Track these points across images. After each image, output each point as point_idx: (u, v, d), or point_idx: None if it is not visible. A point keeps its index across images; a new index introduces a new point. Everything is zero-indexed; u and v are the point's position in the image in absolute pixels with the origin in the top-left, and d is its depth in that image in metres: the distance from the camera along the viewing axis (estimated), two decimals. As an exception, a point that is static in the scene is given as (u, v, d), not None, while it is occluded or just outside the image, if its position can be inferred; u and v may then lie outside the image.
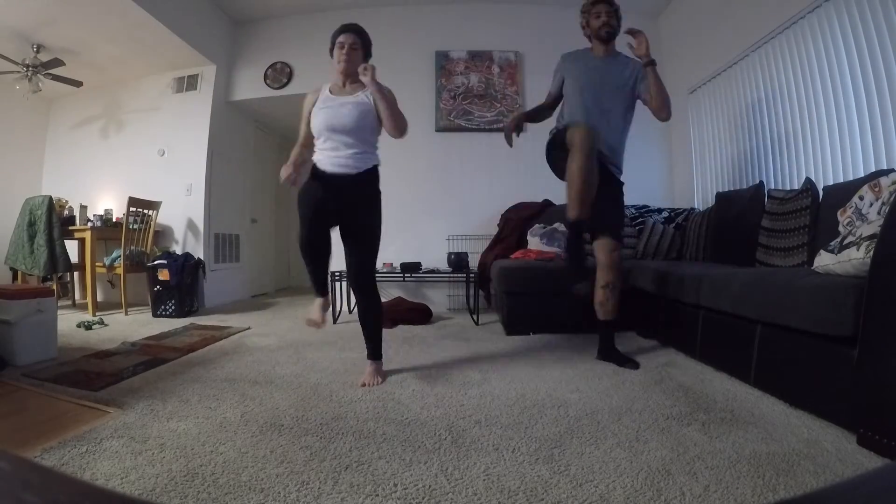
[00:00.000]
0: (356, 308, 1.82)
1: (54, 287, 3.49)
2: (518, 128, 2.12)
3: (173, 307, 3.23)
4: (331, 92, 1.82)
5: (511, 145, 2.13)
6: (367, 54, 1.88)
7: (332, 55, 1.83)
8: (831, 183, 2.15)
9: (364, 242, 1.77)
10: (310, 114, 1.80)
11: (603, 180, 1.87)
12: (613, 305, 1.96)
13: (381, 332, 1.82)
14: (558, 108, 2.16)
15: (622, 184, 2.07)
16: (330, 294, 1.98)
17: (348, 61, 1.77)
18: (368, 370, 1.73)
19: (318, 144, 1.79)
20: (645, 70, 1.98)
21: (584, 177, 1.75)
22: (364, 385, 1.65)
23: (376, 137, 1.85)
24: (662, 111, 1.95)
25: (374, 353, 1.78)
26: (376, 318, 1.81)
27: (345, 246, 1.80)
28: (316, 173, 1.77)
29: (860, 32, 2.11)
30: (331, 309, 3.18)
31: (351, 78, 1.81)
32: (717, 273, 1.85)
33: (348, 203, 1.73)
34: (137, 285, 3.57)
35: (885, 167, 1.88)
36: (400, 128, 1.80)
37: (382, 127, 1.81)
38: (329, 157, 1.75)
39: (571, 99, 2.05)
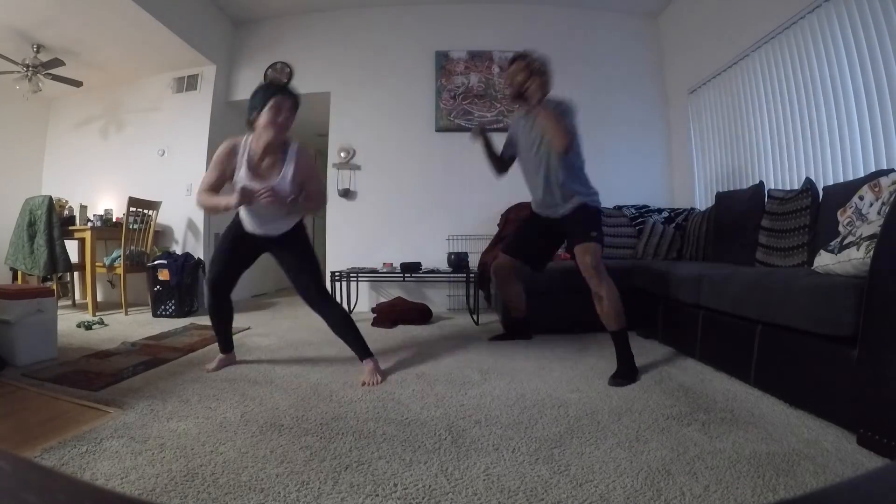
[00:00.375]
0: (331, 320, 1.84)
1: (54, 287, 3.49)
2: (484, 137, 2.08)
3: (173, 307, 3.23)
4: (248, 165, 1.70)
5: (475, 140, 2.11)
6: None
7: (257, 115, 1.66)
8: (831, 183, 2.15)
9: (304, 270, 1.81)
10: (222, 163, 1.71)
11: (567, 220, 1.94)
12: (609, 311, 1.79)
13: (358, 333, 1.83)
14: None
15: (586, 204, 1.94)
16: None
17: (285, 129, 1.67)
18: (367, 370, 1.74)
19: (242, 212, 1.80)
20: (535, 111, 1.85)
21: (506, 301, 2.37)
22: (365, 384, 1.66)
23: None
24: (559, 146, 1.77)
25: (363, 352, 1.79)
26: (346, 323, 1.83)
27: (289, 278, 1.85)
28: (238, 226, 1.82)
29: (860, 32, 2.11)
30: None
31: (274, 149, 1.70)
32: (717, 273, 1.85)
33: (278, 251, 1.83)
34: (137, 285, 3.57)
35: (885, 167, 1.88)
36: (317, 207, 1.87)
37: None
38: (253, 221, 1.77)
39: (521, 165, 2.09)
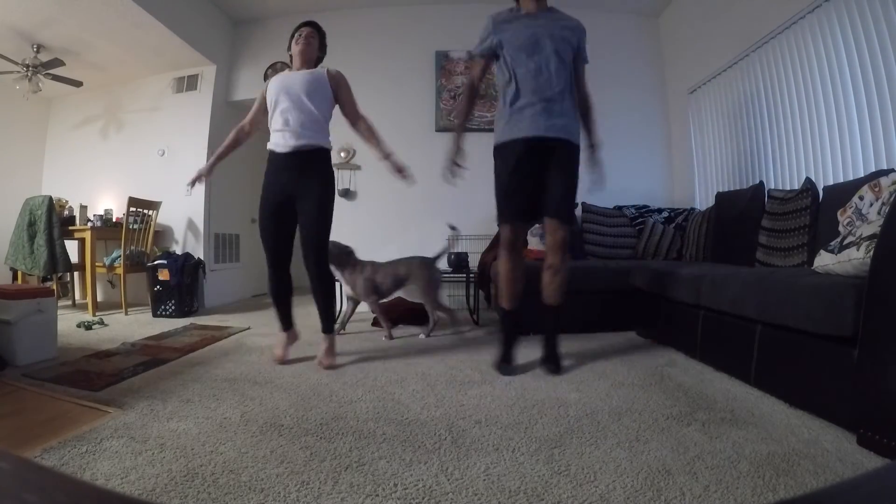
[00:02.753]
0: (316, 283, 1.94)
1: (54, 287, 3.49)
2: (457, 158, 1.97)
3: (173, 307, 3.23)
4: (289, 76, 2.02)
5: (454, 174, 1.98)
6: (321, 45, 2.13)
7: (290, 48, 2.08)
8: (831, 183, 2.15)
9: (318, 224, 1.92)
10: (264, 95, 2.03)
11: (555, 162, 1.77)
12: (556, 289, 1.84)
13: (333, 309, 1.99)
14: (502, 86, 1.88)
15: (577, 155, 1.86)
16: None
17: (307, 45, 2.03)
18: (324, 346, 1.88)
19: (272, 125, 1.96)
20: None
21: (511, 276, 1.88)
22: (319, 363, 1.81)
23: (329, 114, 2.05)
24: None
25: (328, 326, 1.93)
26: (328, 293, 1.97)
27: (301, 233, 1.94)
28: (271, 159, 1.98)
29: (860, 32, 2.11)
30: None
31: (307, 64, 2.04)
32: (717, 273, 1.85)
33: (303, 179, 1.91)
34: (137, 285, 3.57)
35: (885, 167, 1.88)
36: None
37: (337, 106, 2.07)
38: (281, 134, 1.92)
39: (516, 69, 1.79)
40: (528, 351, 2.09)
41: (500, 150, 1.87)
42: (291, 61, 2.09)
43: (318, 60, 2.10)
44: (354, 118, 2.05)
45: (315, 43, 2.06)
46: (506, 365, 1.83)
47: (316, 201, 1.90)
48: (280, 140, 1.91)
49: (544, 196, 1.80)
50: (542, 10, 1.83)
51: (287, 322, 2.01)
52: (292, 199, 1.91)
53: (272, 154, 1.96)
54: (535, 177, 1.79)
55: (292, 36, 2.07)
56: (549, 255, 1.84)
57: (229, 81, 4.09)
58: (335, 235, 3.87)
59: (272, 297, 2.02)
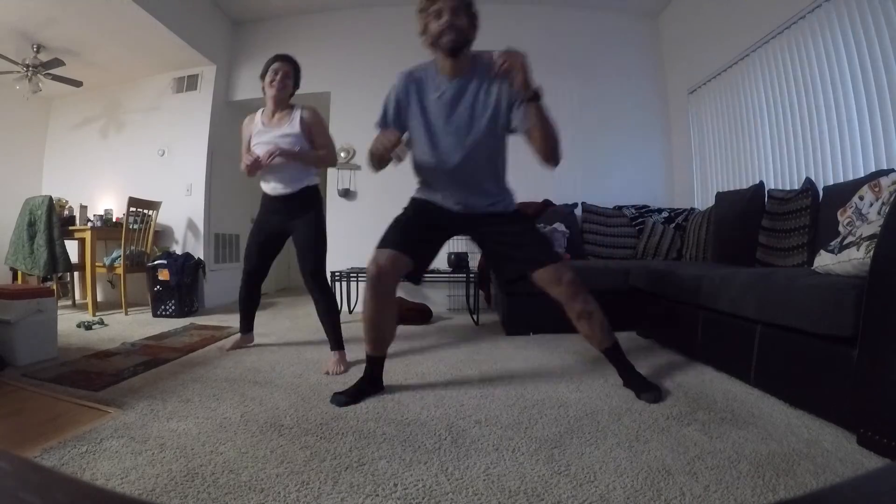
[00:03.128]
0: (321, 306, 2.03)
1: (54, 287, 3.49)
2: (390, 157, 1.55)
3: (173, 307, 3.23)
4: (263, 124, 2.05)
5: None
6: (295, 83, 2.09)
7: (262, 82, 2.04)
8: (831, 183, 2.15)
9: (312, 249, 2.01)
10: (249, 141, 2.08)
11: (500, 228, 1.59)
12: (600, 329, 1.57)
13: (339, 326, 2.01)
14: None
15: (517, 212, 1.68)
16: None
17: (282, 87, 1.99)
18: (332, 360, 1.90)
19: (262, 178, 2.07)
20: (526, 106, 1.43)
21: (373, 320, 1.53)
22: (328, 373, 1.81)
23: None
24: (550, 159, 1.48)
25: (336, 343, 1.97)
26: (331, 312, 2.03)
27: (298, 255, 2.04)
28: (263, 199, 2.12)
29: (860, 32, 2.11)
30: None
31: (280, 105, 2.03)
32: (717, 273, 1.85)
33: (293, 220, 2.03)
34: (137, 285, 3.57)
35: (885, 167, 1.88)
36: None
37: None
38: (266, 181, 2.06)
39: (419, 146, 1.58)
40: (539, 351, 2.09)
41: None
42: (265, 96, 2.03)
43: (291, 95, 2.08)
44: (321, 148, 2.06)
45: (290, 82, 2.03)
46: (341, 396, 1.47)
47: (312, 232, 2.02)
48: (267, 186, 2.07)
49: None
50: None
51: (248, 326, 2.28)
52: (285, 234, 2.11)
53: (264, 195, 2.11)
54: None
55: (265, 71, 2.01)
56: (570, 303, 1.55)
57: (229, 81, 4.09)
58: (336, 235, 3.88)
59: (240, 303, 2.24)
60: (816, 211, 1.97)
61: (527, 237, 1.61)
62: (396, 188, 3.86)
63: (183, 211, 3.85)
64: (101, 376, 1.71)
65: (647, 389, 1.49)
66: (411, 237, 1.56)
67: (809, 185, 2.06)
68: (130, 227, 3.35)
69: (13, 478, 0.18)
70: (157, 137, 3.97)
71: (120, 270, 3.30)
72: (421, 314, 3.09)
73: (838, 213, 1.61)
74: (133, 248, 3.41)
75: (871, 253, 1.13)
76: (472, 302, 3.25)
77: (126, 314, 3.27)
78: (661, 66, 3.96)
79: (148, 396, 1.49)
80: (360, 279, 3.62)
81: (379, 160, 1.54)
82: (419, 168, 1.65)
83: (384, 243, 1.54)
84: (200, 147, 3.85)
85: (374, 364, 1.59)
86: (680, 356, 2.04)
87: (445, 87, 1.53)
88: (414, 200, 1.70)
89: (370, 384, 1.56)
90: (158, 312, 3.23)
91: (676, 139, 3.84)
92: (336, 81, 3.95)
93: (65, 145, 4.36)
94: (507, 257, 1.62)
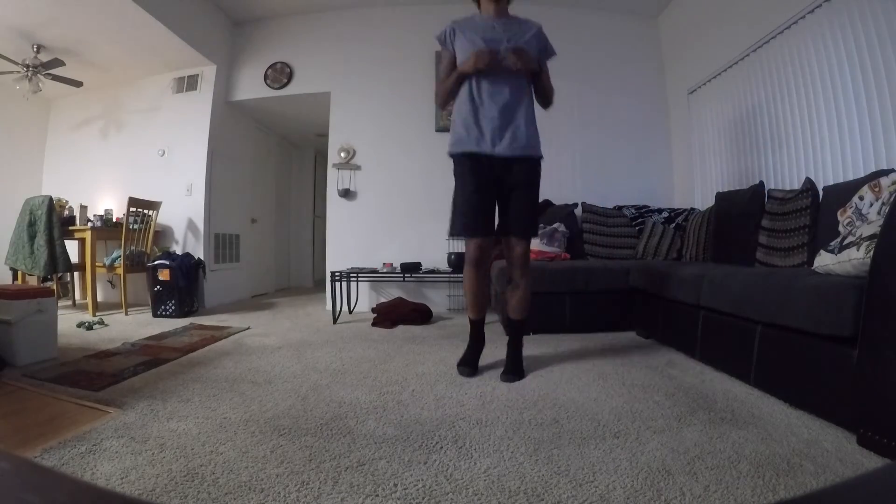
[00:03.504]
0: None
1: (54, 287, 3.48)
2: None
3: (173, 307, 3.23)
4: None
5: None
6: None
7: None
8: (831, 183, 2.15)
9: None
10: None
11: (517, 181, 1.71)
12: (517, 303, 1.82)
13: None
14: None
15: (538, 169, 1.78)
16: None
17: None
18: None
19: None
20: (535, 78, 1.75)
21: (475, 290, 1.81)
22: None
23: None
24: (545, 105, 1.84)
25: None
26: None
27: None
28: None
29: (860, 32, 2.11)
30: (331, 309, 3.18)
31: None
32: (717, 273, 1.85)
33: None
34: (137, 285, 3.57)
35: (885, 167, 1.88)
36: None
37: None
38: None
39: (463, 86, 1.73)
40: (539, 351, 2.10)
41: None
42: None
43: None
44: None
45: None
46: (465, 367, 1.81)
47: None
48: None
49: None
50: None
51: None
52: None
53: None
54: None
55: None
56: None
57: (229, 81, 4.09)
58: (336, 235, 3.88)
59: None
60: (816, 211, 1.97)
61: (529, 205, 1.76)
62: (396, 188, 3.88)
63: (183, 211, 3.86)
64: (101, 376, 1.71)
65: (513, 372, 1.73)
66: (487, 214, 1.75)
67: (809, 185, 2.06)
68: (130, 227, 3.35)
69: (13, 478, 0.18)
70: (157, 137, 3.97)
71: (120, 270, 3.30)
72: (421, 314, 3.09)
73: (838, 213, 1.61)
74: (133, 248, 3.41)
75: (871, 253, 1.13)
76: (472, 302, 3.24)
77: (126, 314, 3.27)
78: (661, 66, 3.96)
79: (148, 396, 1.49)
80: (360, 279, 3.62)
81: (458, 84, 1.73)
82: (461, 106, 1.74)
83: (471, 232, 1.73)
84: (200, 147, 3.85)
85: (478, 325, 1.90)
86: (680, 356, 2.04)
87: (493, 22, 1.72)
88: (459, 162, 1.76)
89: (478, 342, 1.89)
90: (158, 312, 3.23)
91: (676, 139, 3.84)
92: (336, 81, 3.95)
93: (65, 145, 4.36)
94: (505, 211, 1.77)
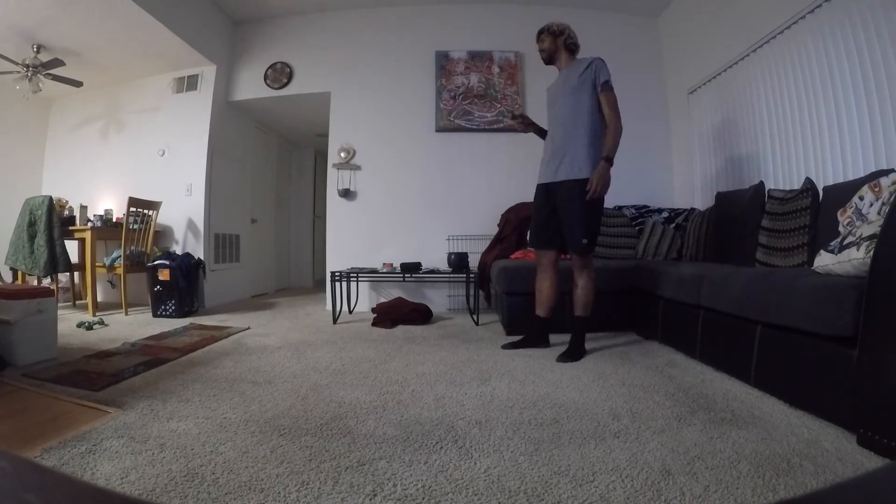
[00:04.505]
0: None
1: (54, 287, 3.48)
2: (533, 126, 2.34)
3: (173, 307, 3.23)
4: None
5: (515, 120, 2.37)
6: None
7: None
8: (831, 183, 2.15)
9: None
10: None
11: (568, 197, 2.06)
12: (575, 301, 2.15)
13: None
14: None
15: (577, 189, 2.09)
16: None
17: None
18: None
19: None
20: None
21: (538, 290, 2.23)
22: None
23: None
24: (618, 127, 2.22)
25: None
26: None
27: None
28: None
29: (860, 33, 2.11)
30: (331, 309, 3.18)
31: None
32: (717, 273, 1.85)
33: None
34: (137, 285, 3.57)
35: (885, 167, 1.88)
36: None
37: None
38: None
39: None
40: (539, 351, 2.09)
41: None
42: None
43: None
44: None
45: None
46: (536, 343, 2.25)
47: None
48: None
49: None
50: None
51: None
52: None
53: None
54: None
55: None
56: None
57: (229, 81, 4.09)
58: (336, 235, 3.88)
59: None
60: (816, 211, 1.97)
61: (583, 219, 2.09)
62: (397, 188, 3.88)
63: (183, 211, 3.85)
64: (101, 376, 1.71)
65: (567, 355, 2.02)
66: (548, 228, 2.18)
67: (809, 185, 2.06)
68: (130, 227, 3.35)
69: (13, 478, 0.18)
70: (157, 137, 3.97)
71: (120, 270, 3.30)
72: (421, 314, 3.09)
73: (838, 213, 1.61)
74: (133, 248, 3.41)
75: (871, 253, 1.13)
76: (472, 302, 3.25)
77: (126, 314, 3.27)
78: (661, 66, 3.96)
79: (148, 396, 1.49)
80: (360, 279, 3.62)
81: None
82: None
83: (539, 244, 2.23)
84: (200, 147, 3.85)
85: (545, 323, 2.24)
86: (680, 356, 2.04)
87: (560, 75, 2.22)
88: (536, 189, 2.27)
89: (544, 340, 2.27)
90: (158, 312, 3.23)
91: (676, 139, 3.84)
92: (336, 81, 3.95)
93: (65, 145, 4.36)
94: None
